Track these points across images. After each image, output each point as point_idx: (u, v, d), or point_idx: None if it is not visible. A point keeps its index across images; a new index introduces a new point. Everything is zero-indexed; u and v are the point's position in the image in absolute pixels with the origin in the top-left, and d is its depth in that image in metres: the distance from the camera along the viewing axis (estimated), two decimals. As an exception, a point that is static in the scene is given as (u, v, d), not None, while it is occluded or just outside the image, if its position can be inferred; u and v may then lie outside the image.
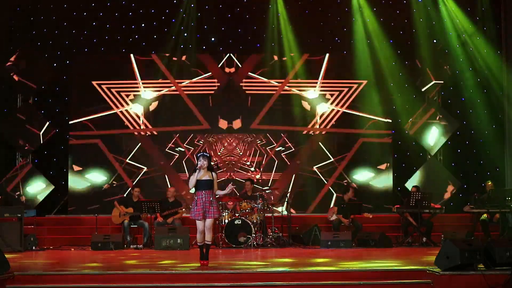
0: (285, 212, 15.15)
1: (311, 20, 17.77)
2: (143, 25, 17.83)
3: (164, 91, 17.75)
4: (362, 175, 17.79)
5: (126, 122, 17.63)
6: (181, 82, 17.76)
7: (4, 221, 13.72)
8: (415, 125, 17.58)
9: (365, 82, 17.82)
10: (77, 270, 10.26)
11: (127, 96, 17.69)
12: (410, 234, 14.70)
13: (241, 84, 17.80)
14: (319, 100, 17.84)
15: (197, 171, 10.32)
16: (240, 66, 17.85)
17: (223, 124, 17.75)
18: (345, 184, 17.15)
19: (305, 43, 17.78)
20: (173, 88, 17.75)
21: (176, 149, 17.70)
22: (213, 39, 18.03)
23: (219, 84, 17.80)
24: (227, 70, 17.81)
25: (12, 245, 13.25)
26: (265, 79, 17.83)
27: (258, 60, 17.93)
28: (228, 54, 17.85)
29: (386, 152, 17.82)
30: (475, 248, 9.28)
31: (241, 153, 17.73)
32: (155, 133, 17.68)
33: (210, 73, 17.81)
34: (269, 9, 17.80)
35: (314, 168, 17.73)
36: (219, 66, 17.85)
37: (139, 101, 17.68)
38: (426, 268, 9.60)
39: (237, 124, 17.75)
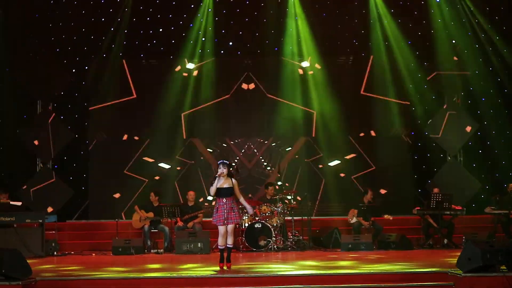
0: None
1: (329, 23, 17.74)
2: (160, 30, 17.90)
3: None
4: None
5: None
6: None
7: (25, 226, 13.81)
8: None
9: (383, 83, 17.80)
10: (98, 274, 10.29)
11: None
12: (431, 236, 14.62)
13: (260, 87, 17.81)
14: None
15: (217, 179, 10.41)
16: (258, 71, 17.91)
17: (241, 127, 17.76)
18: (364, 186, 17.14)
19: (323, 45, 17.76)
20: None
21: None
22: (230, 43, 18.04)
23: (237, 88, 17.83)
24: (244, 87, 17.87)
25: (34, 251, 13.31)
26: (285, 83, 17.83)
27: (276, 63, 17.92)
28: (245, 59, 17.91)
29: (405, 154, 17.73)
30: (497, 249, 9.20)
31: (261, 158, 17.72)
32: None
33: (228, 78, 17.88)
34: (286, 12, 17.80)
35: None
36: (238, 71, 17.90)
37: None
38: (448, 270, 9.53)
39: (255, 128, 17.75)
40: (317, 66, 17.82)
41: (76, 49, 17.75)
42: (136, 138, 17.84)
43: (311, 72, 17.85)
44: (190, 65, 17.87)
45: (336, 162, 17.83)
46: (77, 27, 17.56)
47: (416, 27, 17.72)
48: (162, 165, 17.81)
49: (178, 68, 17.90)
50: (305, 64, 17.84)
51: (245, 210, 14.62)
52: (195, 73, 17.84)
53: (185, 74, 17.90)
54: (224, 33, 17.92)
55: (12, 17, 17.21)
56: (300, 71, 17.94)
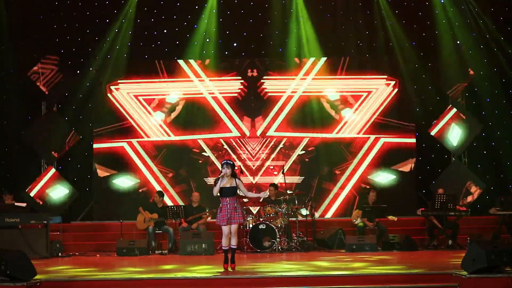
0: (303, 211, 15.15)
1: (332, 23, 17.74)
2: (165, 31, 17.92)
3: (188, 95, 17.86)
4: (385, 178, 17.70)
5: (148, 131, 17.73)
6: (203, 86, 17.86)
7: (30, 228, 13.83)
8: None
9: (388, 84, 17.75)
10: (103, 275, 10.30)
11: (152, 100, 17.77)
12: (435, 237, 14.60)
13: (263, 88, 17.81)
14: (342, 105, 17.80)
15: (221, 179, 10.47)
16: (262, 71, 17.88)
17: (246, 128, 17.75)
18: (367, 187, 17.11)
19: (327, 46, 17.76)
20: (197, 92, 17.82)
21: (202, 153, 17.73)
22: (235, 44, 18.04)
23: (242, 88, 17.82)
24: (249, 74, 17.83)
25: (39, 252, 13.32)
26: (288, 82, 17.83)
27: (280, 64, 17.93)
28: (249, 60, 17.90)
29: (409, 155, 17.69)
30: (502, 250, 9.19)
31: (264, 157, 17.71)
32: (179, 138, 17.75)
33: (232, 78, 17.85)
34: (290, 13, 17.81)
35: (336, 171, 17.69)
36: (241, 71, 17.89)
37: (162, 107, 17.76)
38: (452, 271, 9.52)
39: (260, 128, 17.75)
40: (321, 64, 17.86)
41: (80, 50, 17.77)
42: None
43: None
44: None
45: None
46: (81, 28, 17.60)
47: (420, 28, 17.71)
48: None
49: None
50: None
51: (250, 211, 14.77)
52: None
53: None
54: (228, 34, 17.92)
55: (16, 17, 17.27)
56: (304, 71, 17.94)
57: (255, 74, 17.88)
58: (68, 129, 17.41)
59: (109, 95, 17.70)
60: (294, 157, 17.67)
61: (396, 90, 17.71)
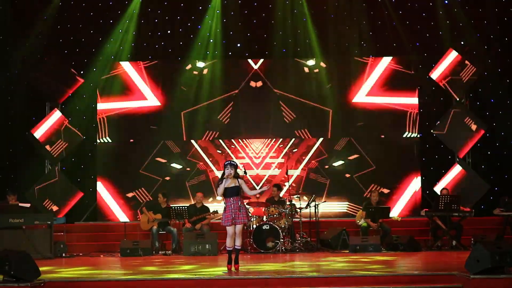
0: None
1: (336, 24, 17.73)
2: (169, 31, 17.94)
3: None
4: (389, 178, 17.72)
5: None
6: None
7: (34, 228, 13.85)
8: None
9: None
10: (107, 276, 10.31)
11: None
12: (439, 238, 14.57)
13: (268, 88, 17.82)
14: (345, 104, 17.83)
15: (224, 180, 10.50)
16: (266, 71, 17.90)
17: (249, 127, 17.77)
18: (371, 188, 17.15)
19: (331, 47, 17.76)
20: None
21: (209, 152, 17.77)
22: (238, 44, 18.05)
23: (245, 88, 17.84)
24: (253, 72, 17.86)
25: (42, 252, 13.34)
26: (292, 83, 17.84)
27: (284, 64, 17.91)
28: (252, 59, 17.91)
29: (413, 155, 17.68)
30: (506, 251, 9.17)
31: (268, 157, 17.71)
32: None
33: (236, 77, 17.89)
34: (294, 14, 17.81)
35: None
36: (245, 70, 17.91)
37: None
38: (456, 272, 9.49)
39: (264, 127, 17.75)
40: (323, 64, 17.81)
41: (83, 51, 17.80)
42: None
43: (316, 70, 17.84)
44: (201, 64, 17.92)
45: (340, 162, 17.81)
46: (85, 29, 17.64)
47: (423, 28, 17.71)
48: (174, 165, 17.82)
49: (189, 66, 17.95)
50: (311, 62, 17.85)
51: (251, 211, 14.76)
52: (205, 71, 17.86)
53: (195, 72, 17.92)
54: (232, 35, 17.93)
55: (19, 18, 17.31)
56: (306, 70, 17.93)
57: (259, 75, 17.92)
58: (71, 130, 17.42)
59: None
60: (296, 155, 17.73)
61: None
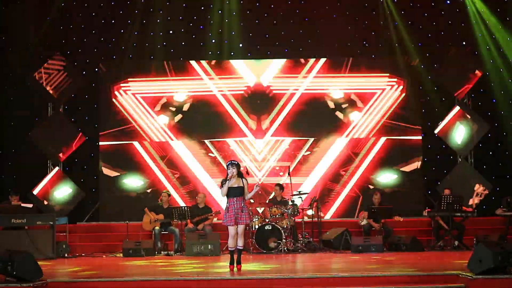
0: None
1: (338, 24, 17.72)
2: (171, 31, 17.95)
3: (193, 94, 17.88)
4: (390, 178, 17.69)
5: (152, 135, 17.74)
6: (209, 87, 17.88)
7: (36, 228, 13.86)
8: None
9: (393, 86, 17.72)
10: (109, 277, 10.31)
11: (159, 100, 17.79)
12: (441, 238, 14.57)
13: (270, 88, 17.82)
14: (349, 106, 17.78)
15: (228, 179, 10.51)
16: (268, 71, 17.90)
17: (252, 128, 17.76)
18: (372, 188, 17.12)
19: (332, 47, 17.76)
20: (203, 93, 17.83)
21: (209, 154, 17.73)
22: (241, 44, 18.05)
23: (247, 89, 17.83)
24: (255, 74, 17.84)
25: (45, 253, 13.36)
26: (296, 83, 17.83)
27: (287, 64, 17.93)
28: (254, 59, 17.92)
29: (415, 155, 17.65)
30: (508, 251, 9.17)
31: (270, 158, 17.70)
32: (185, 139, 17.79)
33: (238, 78, 17.87)
34: (296, 14, 17.81)
35: (341, 171, 17.66)
36: (247, 71, 17.89)
37: (168, 107, 17.77)
38: (459, 272, 9.50)
39: (267, 128, 17.74)
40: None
41: (86, 51, 17.82)
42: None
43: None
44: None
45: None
46: (87, 29, 17.65)
47: (425, 28, 17.71)
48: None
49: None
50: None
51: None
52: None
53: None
54: (234, 35, 17.93)
55: (22, 18, 17.33)
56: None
57: (261, 75, 17.91)
58: (74, 130, 17.42)
59: (115, 95, 17.71)
60: (299, 157, 17.68)
61: (401, 90, 17.67)
